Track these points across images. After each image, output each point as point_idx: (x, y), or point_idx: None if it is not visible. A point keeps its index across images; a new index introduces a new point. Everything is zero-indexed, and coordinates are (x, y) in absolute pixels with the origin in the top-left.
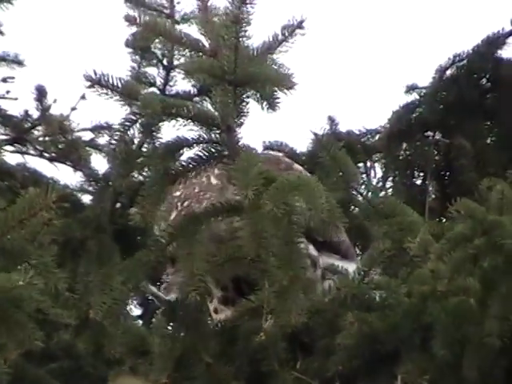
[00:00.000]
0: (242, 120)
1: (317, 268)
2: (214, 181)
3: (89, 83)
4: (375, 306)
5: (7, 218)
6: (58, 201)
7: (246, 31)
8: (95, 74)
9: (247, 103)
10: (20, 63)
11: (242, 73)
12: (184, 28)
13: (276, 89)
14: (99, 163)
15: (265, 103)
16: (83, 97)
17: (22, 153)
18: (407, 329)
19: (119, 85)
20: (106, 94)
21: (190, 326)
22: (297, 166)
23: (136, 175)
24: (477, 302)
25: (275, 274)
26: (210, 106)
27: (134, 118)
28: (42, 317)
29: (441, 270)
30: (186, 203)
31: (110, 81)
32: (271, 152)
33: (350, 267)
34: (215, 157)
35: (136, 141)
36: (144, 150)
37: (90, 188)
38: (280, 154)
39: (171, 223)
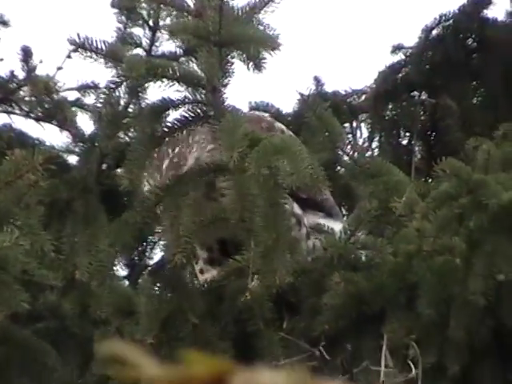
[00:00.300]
0: (227, 81)
1: (301, 227)
2: (196, 141)
3: (73, 47)
4: (361, 266)
5: None
6: (44, 163)
7: None
8: (79, 37)
9: (232, 64)
10: (5, 23)
11: (226, 33)
12: None
13: (261, 49)
14: (86, 123)
15: (251, 64)
16: (69, 56)
17: (8, 113)
18: (393, 288)
19: (103, 48)
20: (91, 57)
21: (176, 286)
22: (278, 124)
23: (122, 136)
24: (462, 260)
25: (261, 235)
26: (195, 67)
27: (119, 80)
28: (28, 278)
29: (426, 229)
30: (174, 163)
31: (94, 44)
32: (253, 112)
33: (335, 226)
34: (201, 117)
35: (122, 101)
36: (130, 110)
37: (77, 149)
38: (262, 114)
39: (164, 172)
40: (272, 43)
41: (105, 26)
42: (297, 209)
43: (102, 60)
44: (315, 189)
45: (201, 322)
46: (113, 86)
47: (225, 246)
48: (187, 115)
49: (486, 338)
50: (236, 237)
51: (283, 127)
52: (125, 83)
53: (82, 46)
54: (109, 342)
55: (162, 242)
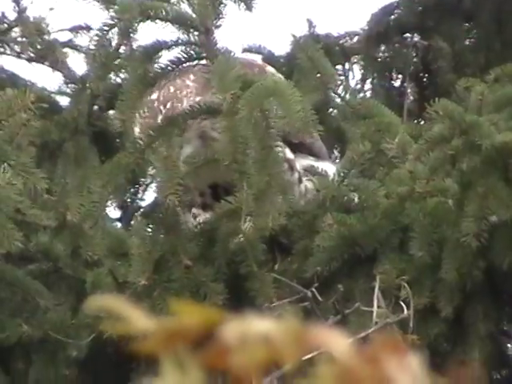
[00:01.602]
0: (220, 22)
1: (294, 171)
2: (189, 83)
3: None
4: (354, 208)
5: None
6: (36, 102)
7: None
8: None
9: (225, 5)
10: None
11: None
12: None
13: None
14: (77, 64)
15: (242, 4)
16: None
17: (0, 53)
18: (385, 230)
19: None
20: None
21: (169, 228)
22: (269, 68)
23: (114, 77)
24: (455, 202)
25: (253, 177)
26: (187, 9)
27: (112, 22)
28: (21, 218)
29: (419, 170)
30: (168, 105)
31: None
32: (245, 56)
33: (328, 168)
34: (194, 59)
35: (113, 43)
36: (122, 51)
37: (68, 90)
38: (253, 58)
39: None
40: None
41: None
42: (289, 153)
43: (95, 1)
44: (306, 132)
45: (193, 263)
46: (106, 28)
47: (217, 191)
48: (180, 56)
49: (478, 279)
50: (228, 181)
51: (274, 71)
52: (118, 25)
53: None
54: (98, 296)
55: (154, 184)
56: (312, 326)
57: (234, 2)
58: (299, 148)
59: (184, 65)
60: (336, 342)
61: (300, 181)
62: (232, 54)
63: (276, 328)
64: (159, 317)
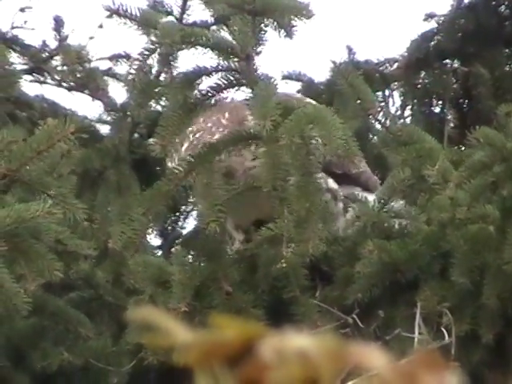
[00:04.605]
0: (260, 49)
1: (338, 201)
2: (224, 122)
3: (107, 13)
4: (395, 234)
5: (26, 149)
6: (76, 131)
7: None
8: (113, 3)
9: (266, 32)
10: None
11: (260, 2)
12: None
13: (294, 18)
14: (117, 93)
15: (282, 31)
16: (101, 26)
17: (41, 82)
18: (426, 256)
19: (137, 14)
20: (125, 23)
21: (209, 254)
22: (309, 100)
23: (154, 105)
24: (496, 229)
25: (293, 204)
26: (227, 35)
27: (152, 47)
28: (62, 248)
29: (460, 197)
30: (197, 135)
31: (129, 10)
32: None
33: (370, 196)
34: (234, 85)
35: (154, 70)
36: (162, 79)
37: (109, 118)
38: (291, 93)
39: (183, 154)
40: (305, 12)
41: None
42: (332, 184)
43: (135, 26)
44: (348, 160)
45: (234, 289)
46: (146, 53)
47: (260, 228)
48: (220, 83)
49: None
50: (272, 217)
51: (314, 103)
52: (158, 50)
53: (116, 12)
54: (140, 309)
55: (195, 211)
56: (350, 343)
57: (275, 29)
58: (344, 179)
59: (222, 94)
60: (374, 358)
61: (346, 211)
62: (272, 80)
63: (314, 344)
64: (198, 330)
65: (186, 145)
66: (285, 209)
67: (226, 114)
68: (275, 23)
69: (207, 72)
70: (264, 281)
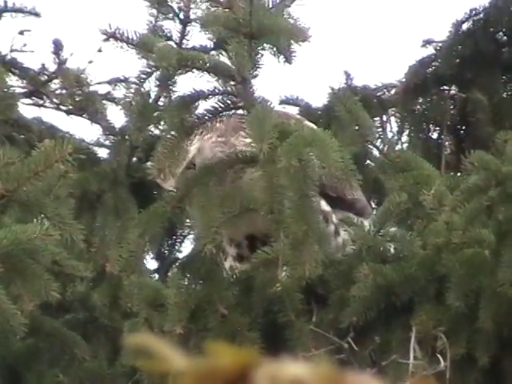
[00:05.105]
0: (257, 72)
1: (329, 223)
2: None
3: (104, 37)
4: (390, 258)
5: (23, 169)
6: (73, 153)
7: None
8: (110, 27)
9: (262, 55)
10: (37, 15)
11: (256, 25)
12: None
13: (291, 41)
14: (116, 116)
15: (281, 56)
16: (100, 50)
17: (39, 105)
18: (422, 280)
19: (134, 38)
20: (122, 47)
21: (205, 277)
22: (308, 122)
23: (153, 129)
24: (491, 253)
25: (290, 227)
26: (224, 58)
27: (149, 70)
28: (58, 269)
29: (455, 221)
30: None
31: (125, 34)
32: (281, 109)
33: (366, 221)
34: (230, 108)
35: (153, 94)
36: (161, 103)
37: (107, 142)
38: (289, 111)
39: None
40: (302, 35)
41: (136, 20)
42: (324, 205)
43: (132, 50)
44: (345, 183)
45: (229, 312)
46: (143, 76)
47: (254, 242)
48: (217, 106)
49: None
50: (265, 232)
51: (312, 125)
52: (155, 74)
53: (113, 35)
54: (137, 334)
55: (191, 235)
56: (345, 371)
57: (274, 54)
58: (339, 203)
59: (221, 114)
60: None
61: (337, 233)
62: (269, 103)
63: (309, 372)
64: (194, 357)
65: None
66: (281, 231)
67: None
68: (274, 48)
69: (204, 95)
70: (259, 304)
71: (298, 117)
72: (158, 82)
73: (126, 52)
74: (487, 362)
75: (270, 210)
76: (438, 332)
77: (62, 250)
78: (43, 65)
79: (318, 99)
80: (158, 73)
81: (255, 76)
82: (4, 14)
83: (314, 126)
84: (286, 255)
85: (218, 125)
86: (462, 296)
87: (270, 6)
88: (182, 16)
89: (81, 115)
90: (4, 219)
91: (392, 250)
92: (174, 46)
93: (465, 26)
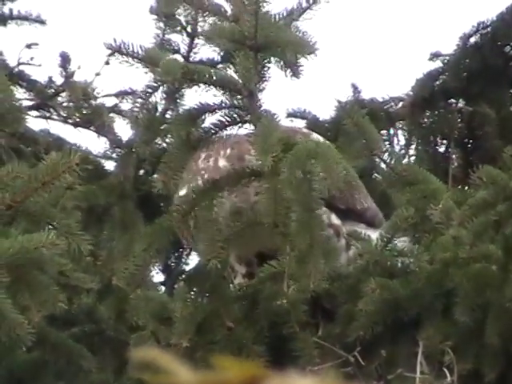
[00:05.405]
0: (263, 85)
1: (340, 237)
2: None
3: (109, 51)
4: (397, 273)
5: (30, 180)
6: (80, 164)
7: None
8: (115, 41)
9: (269, 68)
10: (42, 23)
11: (262, 38)
12: None
13: (298, 55)
14: (123, 129)
15: (288, 70)
16: (107, 62)
17: (46, 118)
18: (429, 295)
19: (140, 52)
20: (127, 61)
21: (211, 290)
22: (315, 135)
23: (160, 142)
24: (498, 268)
25: (295, 240)
26: (231, 73)
27: (155, 84)
28: (64, 281)
29: (463, 236)
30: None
31: (131, 48)
32: (288, 124)
33: (373, 234)
34: (237, 122)
35: (160, 107)
36: (168, 116)
37: (114, 154)
38: (298, 126)
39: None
40: (308, 48)
41: (143, 33)
42: (335, 219)
43: (138, 65)
44: (349, 194)
45: (236, 325)
46: (149, 90)
47: (263, 260)
48: (223, 119)
49: None
50: (274, 250)
51: (320, 138)
52: (161, 88)
53: (118, 50)
54: (143, 347)
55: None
56: None
57: (281, 68)
58: (349, 215)
59: (227, 128)
60: None
61: (348, 247)
62: (275, 116)
63: None
64: (202, 371)
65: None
66: (287, 244)
67: (228, 151)
68: (281, 62)
69: (210, 109)
70: (265, 317)
71: (306, 131)
72: (165, 95)
73: (131, 66)
74: (494, 377)
75: (275, 223)
76: (445, 347)
77: (69, 261)
78: (50, 78)
79: (326, 112)
80: (165, 86)
81: (262, 89)
82: (9, 22)
83: (322, 139)
84: (291, 268)
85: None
86: (469, 311)
87: (277, 19)
88: (189, 29)
89: (88, 128)
90: (11, 230)
91: (399, 265)
92: (182, 59)
93: (472, 40)
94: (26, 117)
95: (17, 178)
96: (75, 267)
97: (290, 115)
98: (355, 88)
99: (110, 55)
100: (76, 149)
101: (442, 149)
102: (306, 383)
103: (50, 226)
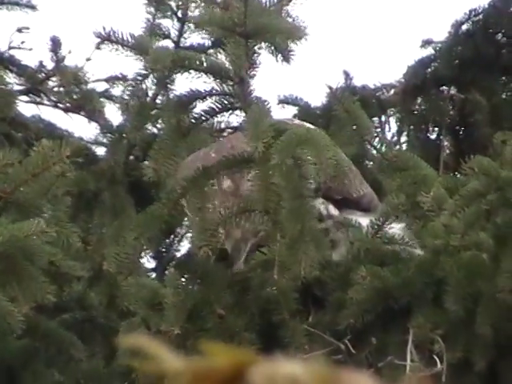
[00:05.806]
0: (254, 72)
1: (339, 228)
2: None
3: (98, 39)
4: (388, 261)
5: (21, 171)
6: (72, 155)
7: None
8: (104, 30)
9: (259, 55)
10: (33, 8)
11: (252, 24)
12: None
13: (288, 40)
14: (114, 114)
15: (279, 56)
16: (98, 47)
17: (37, 103)
18: (420, 283)
19: (130, 40)
20: (117, 49)
21: (202, 277)
22: (307, 125)
23: (150, 128)
24: (489, 257)
25: (286, 226)
26: (223, 59)
27: (145, 72)
28: (54, 269)
29: (454, 225)
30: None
31: (120, 36)
32: (279, 118)
33: (364, 220)
34: (228, 109)
35: (150, 93)
36: (158, 102)
37: (105, 140)
38: (289, 119)
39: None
40: (298, 33)
41: (134, 18)
42: (333, 210)
43: (128, 52)
44: (344, 184)
45: (227, 313)
46: (139, 77)
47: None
48: (214, 106)
49: None
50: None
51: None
52: (152, 75)
53: (107, 38)
54: (132, 334)
55: (189, 234)
56: (341, 370)
57: (272, 53)
58: (345, 204)
59: (218, 114)
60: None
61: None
62: (265, 103)
63: (305, 371)
64: (189, 357)
65: None
66: (278, 232)
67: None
68: (272, 47)
69: (201, 96)
70: (255, 304)
71: (297, 122)
72: (155, 81)
73: (121, 54)
74: (484, 366)
75: (266, 210)
76: (435, 335)
77: (58, 250)
78: (41, 62)
79: (318, 99)
80: (155, 73)
81: (253, 76)
82: (0, 7)
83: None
84: (281, 256)
85: None
86: (460, 300)
87: (267, 5)
88: (179, 14)
89: (78, 113)
90: (1, 220)
91: (390, 253)
92: (172, 44)
93: (464, 27)
94: (17, 102)
95: (7, 166)
96: (65, 255)
97: (281, 102)
98: (347, 75)
99: (99, 43)
100: (67, 135)
101: (433, 136)
102: (296, 368)
103: (40, 217)
